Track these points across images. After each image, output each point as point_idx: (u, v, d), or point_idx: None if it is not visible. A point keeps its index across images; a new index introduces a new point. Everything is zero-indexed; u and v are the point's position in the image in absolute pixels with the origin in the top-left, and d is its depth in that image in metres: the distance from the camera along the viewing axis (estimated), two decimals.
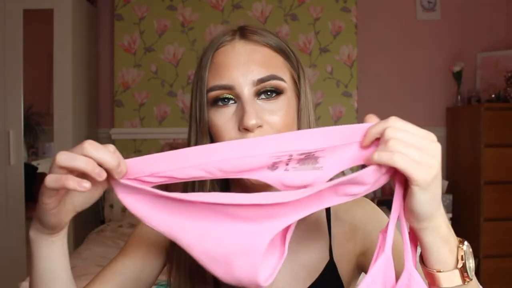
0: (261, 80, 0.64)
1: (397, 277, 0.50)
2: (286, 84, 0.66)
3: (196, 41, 2.91)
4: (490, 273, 2.56)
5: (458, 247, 0.50)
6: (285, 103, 0.65)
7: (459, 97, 3.03)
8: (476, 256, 2.50)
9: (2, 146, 2.57)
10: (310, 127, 0.70)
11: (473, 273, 0.51)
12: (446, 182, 2.82)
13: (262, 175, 0.52)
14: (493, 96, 2.87)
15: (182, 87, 2.91)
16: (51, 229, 0.52)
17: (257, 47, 0.66)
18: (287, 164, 0.50)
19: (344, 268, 0.72)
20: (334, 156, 0.50)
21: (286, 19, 2.94)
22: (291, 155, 0.49)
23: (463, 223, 2.81)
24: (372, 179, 0.47)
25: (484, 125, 2.68)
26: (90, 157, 0.47)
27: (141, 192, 0.50)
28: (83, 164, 0.46)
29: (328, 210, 0.74)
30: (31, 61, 2.75)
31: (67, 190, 0.50)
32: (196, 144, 0.68)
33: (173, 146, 2.65)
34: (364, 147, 0.48)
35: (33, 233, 0.54)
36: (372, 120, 0.49)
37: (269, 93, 0.65)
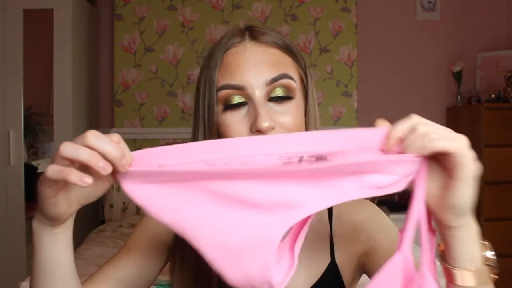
0: (273, 80, 0.64)
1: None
2: (296, 84, 0.67)
3: (196, 41, 2.91)
4: None
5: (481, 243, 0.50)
6: (295, 104, 0.66)
7: (459, 97, 3.03)
8: None
9: (2, 146, 2.57)
10: (316, 128, 0.71)
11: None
12: None
13: None
14: (493, 96, 2.87)
15: (182, 87, 2.91)
16: (53, 220, 0.51)
17: (268, 49, 0.67)
18: (296, 166, 0.48)
19: (345, 269, 0.72)
20: (344, 160, 0.47)
21: (286, 19, 2.94)
22: (301, 157, 0.47)
23: None
24: (404, 170, 0.44)
25: (484, 125, 2.68)
26: (93, 148, 0.45)
27: (148, 179, 0.48)
28: (86, 156, 0.45)
29: (330, 211, 0.75)
30: (31, 61, 2.75)
31: (67, 182, 0.48)
32: None
33: None
34: (386, 150, 0.46)
35: (35, 224, 0.52)
36: (384, 124, 0.47)
37: (279, 99, 0.65)
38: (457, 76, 2.98)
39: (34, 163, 3.20)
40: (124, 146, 0.48)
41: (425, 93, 3.14)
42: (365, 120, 3.07)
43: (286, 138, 0.48)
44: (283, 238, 0.49)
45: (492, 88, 2.96)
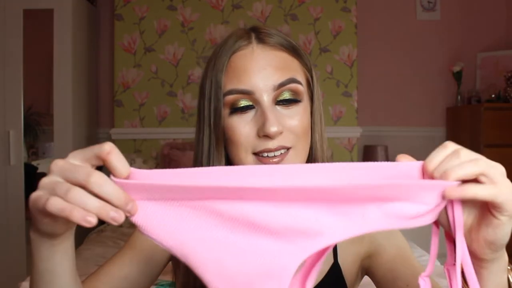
0: (281, 85, 0.63)
1: None
2: (303, 87, 0.67)
3: (196, 41, 2.91)
4: None
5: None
6: (302, 108, 0.66)
7: (459, 97, 3.03)
8: None
9: (2, 146, 2.57)
10: (321, 130, 0.71)
11: None
12: None
13: None
14: (493, 96, 2.87)
15: (182, 87, 2.91)
16: (48, 237, 0.47)
17: (275, 52, 0.66)
18: None
19: (348, 271, 0.72)
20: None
21: (286, 19, 2.94)
22: None
23: None
24: (434, 199, 0.40)
25: (484, 125, 2.68)
26: (96, 195, 0.40)
27: (147, 194, 0.42)
28: (95, 209, 0.40)
29: None
30: (31, 61, 2.75)
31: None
32: (209, 149, 0.68)
33: (173, 146, 2.65)
34: (452, 197, 0.40)
35: (32, 234, 0.48)
36: (406, 159, 0.43)
37: (287, 102, 0.64)
38: (457, 76, 2.98)
39: (34, 163, 3.20)
40: (117, 156, 0.42)
41: (425, 93, 3.14)
42: (365, 120, 3.07)
43: (290, 170, 0.43)
44: (297, 270, 0.44)
45: (492, 88, 2.96)
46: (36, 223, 0.45)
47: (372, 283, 0.74)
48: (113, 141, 2.89)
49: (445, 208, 0.42)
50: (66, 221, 0.42)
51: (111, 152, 0.41)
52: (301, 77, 0.67)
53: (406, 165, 0.42)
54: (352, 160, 2.95)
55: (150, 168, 2.67)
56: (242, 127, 0.64)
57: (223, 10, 2.92)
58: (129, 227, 2.39)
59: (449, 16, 3.14)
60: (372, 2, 3.11)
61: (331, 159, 2.92)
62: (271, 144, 0.63)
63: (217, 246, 0.42)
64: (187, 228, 0.42)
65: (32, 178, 2.95)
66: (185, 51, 2.91)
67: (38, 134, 3.12)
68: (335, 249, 0.72)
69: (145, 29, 2.89)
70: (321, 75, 2.91)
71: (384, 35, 3.12)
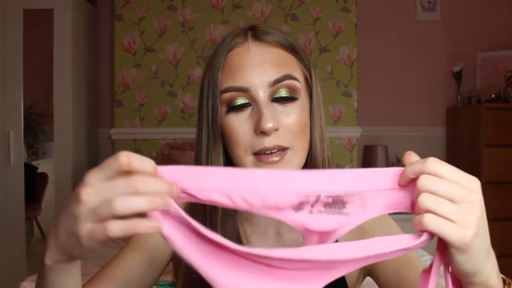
0: (277, 81, 0.63)
1: None
2: (300, 84, 0.66)
3: (196, 41, 2.91)
4: None
5: None
6: (299, 105, 0.65)
7: (459, 97, 3.03)
8: None
9: (2, 146, 2.57)
10: (321, 128, 0.71)
11: None
12: None
13: (285, 216, 0.47)
14: (493, 96, 2.87)
15: (182, 87, 2.91)
16: (71, 259, 0.47)
17: (271, 48, 0.66)
18: (312, 206, 0.47)
19: (349, 271, 0.72)
20: (362, 204, 0.46)
21: (286, 19, 2.94)
22: (319, 196, 0.46)
23: None
24: (413, 243, 0.43)
25: (484, 125, 2.68)
26: (143, 193, 0.40)
27: (182, 225, 0.43)
28: (145, 205, 0.39)
29: None
30: (31, 61, 2.75)
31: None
32: (207, 147, 0.68)
33: (173, 146, 2.65)
34: (402, 185, 0.45)
35: (50, 262, 0.47)
36: (411, 157, 0.44)
37: (283, 100, 0.64)
38: (457, 76, 2.98)
39: (34, 163, 3.20)
40: (138, 161, 0.42)
41: (425, 93, 3.14)
42: (365, 120, 3.07)
43: (305, 176, 0.46)
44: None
45: (492, 88, 2.96)
46: (72, 251, 0.44)
47: (373, 284, 0.73)
48: (113, 141, 2.89)
49: None
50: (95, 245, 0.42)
51: (131, 162, 0.41)
52: (298, 74, 0.67)
53: (388, 170, 0.46)
54: (352, 160, 2.95)
55: None
56: (239, 126, 0.64)
57: (223, 10, 2.92)
58: None
59: (449, 16, 3.14)
60: (372, 2, 3.11)
61: (332, 159, 2.91)
62: (268, 142, 0.62)
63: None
64: (213, 266, 0.44)
65: (32, 178, 2.95)
66: (185, 51, 2.91)
67: (38, 134, 3.12)
68: None
69: (145, 29, 2.89)
70: (321, 75, 2.91)
71: (384, 35, 3.12)
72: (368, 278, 0.76)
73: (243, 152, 0.65)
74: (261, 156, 0.64)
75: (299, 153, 0.66)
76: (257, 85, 0.63)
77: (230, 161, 0.69)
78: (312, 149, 0.70)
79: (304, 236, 0.48)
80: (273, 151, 0.63)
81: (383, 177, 0.46)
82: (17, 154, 2.60)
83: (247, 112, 0.64)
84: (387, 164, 2.81)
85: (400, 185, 0.45)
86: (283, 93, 0.64)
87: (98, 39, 3.08)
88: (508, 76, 2.80)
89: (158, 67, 2.90)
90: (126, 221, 0.39)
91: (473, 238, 0.40)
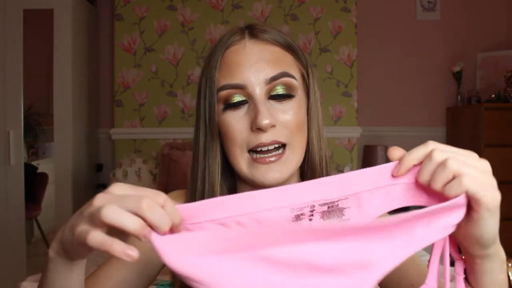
0: (273, 78, 0.63)
1: None
2: (297, 81, 0.66)
3: (196, 41, 2.91)
4: None
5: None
6: (296, 102, 0.66)
7: (459, 97, 3.03)
8: None
9: (2, 146, 2.57)
10: (319, 126, 0.71)
11: None
12: None
13: None
14: (493, 96, 2.87)
15: (182, 87, 2.91)
16: (72, 259, 0.48)
17: (268, 46, 0.66)
18: (310, 219, 0.46)
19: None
20: (360, 207, 0.45)
21: (286, 19, 2.94)
22: (313, 206, 0.45)
23: None
24: (461, 202, 0.42)
25: (484, 125, 2.68)
26: (143, 218, 0.39)
27: (197, 252, 0.40)
28: (131, 226, 0.38)
29: None
30: (31, 61, 2.75)
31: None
32: (205, 146, 0.68)
33: (173, 146, 2.65)
34: (396, 176, 0.44)
35: (52, 253, 0.48)
36: (397, 152, 0.44)
37: (280, 97, 0.64)
38: (457, 76, 2.98)
39: (34, 163, 3.21)
40: (159, 214, 0.40)
41: (425, 93, 3.14)
42: (365, 120, 3.07)
43: (294, 189, 0.45)
44: None
45: (492, 88, 2.96)
46: (68, 250, 0.45)
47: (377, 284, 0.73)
48: (113, 141, 2.89)
49: None
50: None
51: (165, 204, 0.40)
52: (295, 72, 0.67)
53: (382, 167, 0.45)
54: (352, 160, 2.95)
55: (150, 167, 2.68)
56: (236, 123, 0.64)
57: (223, 10, 2.92)
58: None
59: (449, 16, 3.14)
60: (372, 2, 3.11)
61: (330, 158, 2.92)
62: (265, 138, 0.62)
63: None
64: (244, 281, 0.41)
65: (32, 178, 2.95)
66: (185, 51, 2.91)
67: (38, 134, 3.12)
68: None
69: (145, 29, 2.89)
70: (321, 75, 2.91)
71: (384, 35, 3.12)
72: None
73: (239, 150, 0.65)
74: (257, 157, 0.64)
75: (296, 151, 0.66)
76: (254, 83, 0.63)
77: (226, 159, 0.69)
78: (310, 148, 0.70)
79: None
80: (269, 148, 0.63)
81: (374, 175, 0.45)
82: (17, 154, 2.60)
83: (244, 110, 0.64)
84: None
85: (396, 176, 0.44)
86: (279, 90, 0.64)
87: (98, 39, 3.08)
88: (508, 76, 2.80)
89: (158, 67, 2.90)
90: (107, 237, 0.39)
91: (499, 200, 0.42)
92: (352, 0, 2.94)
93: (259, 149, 0.64)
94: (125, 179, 2.59)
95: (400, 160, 0.44)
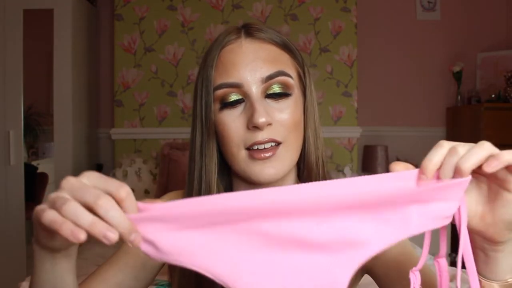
0: (270, 77, 0.63)
1: None
2: (293, 80, 0.66)
3: (196, 41, 2.91)
4: None
5: None
6: (292, 101, 0.65)
7: (459, 97, 3.03)
8: None
9: (2, 146, 2.57)
10: (316, 126, 0.71)
11: None
12: None
13: None
14: (493, 96, 2.87)
15: (182, 87, 2.91)
16: (50, 251, 0.46)
17: (264, 45, 0.66)
18: None
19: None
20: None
21: (286, 19, 2.94)
22: None
23: None
24: (457, 194, 0.41)
25: (484, 125, 2.68)
26: (99, 216, 0.38)
27: (171, 225, 0.39)
28: (86, 224, 0.38)
29: None
30: (31, 61, 2.75)
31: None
32: (201, 145, 0.68)
33: (173, 146, 2.65)
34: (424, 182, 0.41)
35: (35, 246, 0.47)
36: (401, 167, 0.43)
37: (276, 96, 0.64)
38: (457, 76, 2.97)
39: (34, 163, 3.20)
40: (131, 202, 0.40)
41: (425, 93, 3.14)
42: (365, 120, 3.07)
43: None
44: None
45: (492, 88, 2.96)
46: (37, 235, 0.45)
47: (371, 283, 0.73)
48: (113, 141, 2.89)
49: None
50: (64, 238, 0.39)
51: (126, 199, 0.39)
52: (291, 71, 0.67)
53: (403, 173, 0.42)
54: (352, 160, 2.95)
55: (150, 167, 2.68)
56: (232, 121, 0.64)
57: (223, 10, 2.92)
58: None
59: (449, 16, 3.14)
60: (372, 2, 3.11)
61: (330, 158, 2.92)
62: (261, 136, 0.62)
63: (268, 268, 0.41)
64: (233, 253, 0.41)
65: (32, 178, 2.95)
66: (185, 51, 2.91)
67: (38, 134, 3.12)
68: None
69: (145, 29, 2.89)
70: (321, 75, 2.91)
71: (384, 35, 3.12)
72: (366, 278, 0.76)
73: (235, 148, 0.65)
74: (253, 151, 0.64)
75: (291, 149, 0.66)
76: (250, 81, 0.63)
77: (223, 159, 0.69)
78: (306, 147, 0.70)
79: None
80: (266, 146, 0.63)
81: (394, 183, 0.41)
82: (17, 154, 2.60)
83: (240, 108, 0.64)
84: (387, 165, 2.81)
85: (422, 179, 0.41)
86: (276, 89, 0.64)
87: (98, 39, 3.08)
88: (508, 76, 2.80)
89: (158, 67, 2.90)
90: (59, 217, 0.38)
91: None
92: (352, 0, 2.94)
93: (255, 147, 0.63)
94: (125, 179, 2.59)
95: (422, 167, 0.42)
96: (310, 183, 0.40)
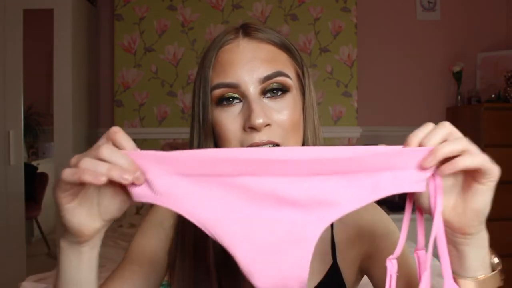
0: (267, 77, 0.62)
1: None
2: (292, 81, 0.65)
3: (196, 41, 2.91)
4: None
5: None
6: (291, 101, 0.64)
7: (459, 97, 3.03)
8: None
9: (2, 146, 2.57)
10: (315, 126, 0.69)
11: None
12: None
13: None
14: (493, 96, 2.87)
15: (182, 87, 2.91)
16: (77, 235, 0.48)
17: (262, 45, 0.65)
18: None
19: (347, 271, 0.71)
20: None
21: (286, 19, 2.94)
22: None
23: None
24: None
25: (484, 125, 2.68)
26: (105, 161, 0.44)
27: (167, 168, 0.45)
28: (105, 170, 0.43)
29: None
30: (31, 61, 2.75)
31: (83, 187, 0.47)
32: (199, 145, 0.67)
33: (173, 146, 2.65)
34: (428, 166, 0.45)
35: (62, 241, 0.50)
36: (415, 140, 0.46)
37: (274, 91, 0.63)
38: (457, 76, 2.97)
39: (34, 163, 3.20)
40: (124, 137, 0.47)
41: (425, 93, 3.14)
42: (365, 120, 3.07)
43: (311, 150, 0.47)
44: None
45: (492, 88, 2.96)
46: (61, 214, 0.47)
47: (369, 284, 0.73)
48: None
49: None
50: (86, 205, 0.47)
51: (118, 132, 0.46)
52: (289, 71, 0.66)
53: (387, 148, 0.46)
54: None
55: None
56: (229, 122, 0.63)
57: (223, 10, 2.92)
58: (129, 227, 2.39)
59: (449, 16, 3.14)
60: (372, 2, 3.11)
61: None
62: (258, 138, 0.61)
63: (245, 218, 0.46)
64: (212, 203, 0.46)
65: (32, 178, 2.95)
66: (185, 51, 2.91)
67: (38, 134, 3.12)
68: (334, 250, 0.71)
69: (145, 29, 2.89)
70: (321, 75, 2.91)
71: (384, 35, 3.12)
72: (365, 279, 0.76)
73: None
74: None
75: None
76: (248, 81, 0.62)
77: None
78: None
79: None
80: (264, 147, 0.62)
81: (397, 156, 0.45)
82: (17, 154, 2.60)
83: (237, 109, 0.63)
84: None
85: (426, 167, 0.45)
86: (274, 90, 0.63)
87: (98, 39, 3.08)
88: (508, 76, 2.80)
89: (158, 67, 2.90)
90: (77, 169, 0.44)
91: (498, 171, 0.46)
92: (352, 0, 2.94)
93: None
94: None
95: (433, 151, 0.44)
96: (296, 147, 0.45)
